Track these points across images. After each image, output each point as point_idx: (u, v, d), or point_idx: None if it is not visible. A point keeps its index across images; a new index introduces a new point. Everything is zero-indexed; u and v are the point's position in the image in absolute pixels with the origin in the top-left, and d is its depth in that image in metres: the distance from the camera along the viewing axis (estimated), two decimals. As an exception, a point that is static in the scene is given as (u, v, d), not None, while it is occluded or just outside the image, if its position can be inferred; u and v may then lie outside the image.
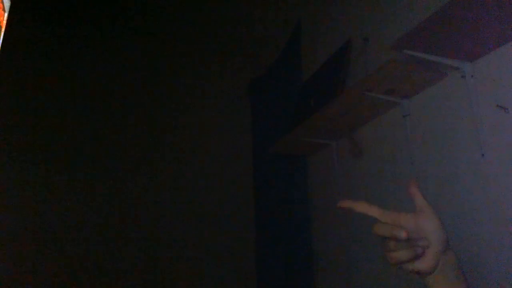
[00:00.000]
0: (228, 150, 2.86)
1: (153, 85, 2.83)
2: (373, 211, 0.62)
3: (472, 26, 1.02)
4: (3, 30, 2.53)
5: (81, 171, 2.48)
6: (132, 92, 2.75)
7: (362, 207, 0.63)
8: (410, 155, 1.42)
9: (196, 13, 2.96)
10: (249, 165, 2.86)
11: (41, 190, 2.36)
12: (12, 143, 2.37)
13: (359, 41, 1.75)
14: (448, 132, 1.27)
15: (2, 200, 2.25)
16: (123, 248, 2.42)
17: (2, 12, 2.54)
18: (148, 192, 2.59)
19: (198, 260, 2.54)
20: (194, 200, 2.66)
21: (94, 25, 2.78)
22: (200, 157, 2.78)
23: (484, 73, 1.15)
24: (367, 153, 1.71)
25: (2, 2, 2.54)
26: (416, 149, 1.40)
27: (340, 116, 1.65)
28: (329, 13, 2.13)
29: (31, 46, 2.58)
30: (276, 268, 2.39)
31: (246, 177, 2.83)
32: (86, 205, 2.42)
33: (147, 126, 2.72)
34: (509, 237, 1.03)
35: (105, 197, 2.48)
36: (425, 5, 1.35)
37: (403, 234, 0.53)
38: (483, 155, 1.12)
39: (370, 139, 1.70)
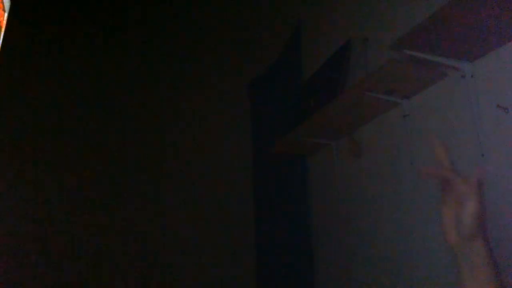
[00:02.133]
0: (228, 150, 2.86)
1: (153, 85, 2.83)
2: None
3: (472, 26, 1.02)
4: (3, 30, 2.53)
5: (82, 171, 2.48)
6: (132, 92, 2.75)
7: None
8: (410, 155, 1.42)
9: (196, 14, 2.96)
10: (249, 165, 2.86)
11: (41, 190, 2.36)
12: (12, 143, 2.37)
13: (359, 41, 1.75)
14: (448, 132, 1.27)
15: (2, 201, 2.25)
16: (123, 248, 2.42)
17: (2, 12, 2.54)
18: (148, 192, 2.59)
19: (198, 260, 2.54)
20: (194, 200, 2.66)
21: (94, 25, 2.78)
22: (200, 157, 2.78)
23: (484, 73, 1.15)
24: (367, 153, 1.71)
25: (2, 2, 2.54)
26: (416, 149, 1.40)
27: (340, 116, 1.65)
28: (329, 13, 2.13)
29: (31, 46, 2.58)
30: (276, 268, 2.39)
31: (246, 177, 2.83)
32: (87, 205, 2.42)
33: (147, 126, 2.72)
34: (509, 237, 1.03)
35: (105, 197, 2.48)
36: (425, 5, 1.35)
37: None
38: (483, 155, 1.12)
39: (370, 139, 1.70)
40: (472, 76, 1.17)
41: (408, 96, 1.45)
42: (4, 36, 2.52)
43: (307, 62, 2.30)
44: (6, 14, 2.55)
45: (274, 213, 2.49)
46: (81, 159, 2.50)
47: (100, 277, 2.32)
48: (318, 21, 2.27)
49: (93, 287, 2.29)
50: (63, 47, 2.66)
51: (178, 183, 2.68)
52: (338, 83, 1.73)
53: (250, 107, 3.01)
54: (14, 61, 2.48)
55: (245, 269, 2.62)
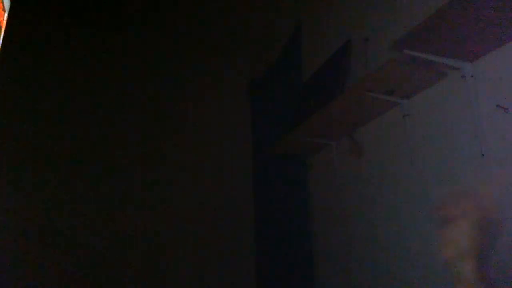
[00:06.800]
0: (228, 150, 2.86)
1: (153, 85, 2.83)
2: None
3: (472, 26, 1.02)
4: (3, 30, 2.53)
5: (82, 171, 2.47)
6: (132, 92, 2.75)
7: None
8: (410, 155, 1.42)
9: (196, 13, 2.96)
10: (249, 165, 2.86)
11: (43, 190, 2.36)
12: (12, 143, 2.37)
13: (359, 41, 1.75)
14: (448, 132, 1.27)
15: (4, 202, 2.25)
16: (123, 248, 2.41)
17: (2, 12, 2.54)
18: (148, 192, 2.59)
19: (198, 260, 2.54)
20: (194, 200, 2.66)
21: (94, 25, 2.78)
22: (200, 157, 2.78)
23: (484, 73, 1.15)
24: (367, 153, 1.71)
25: (2, 2, 2.55)
26: (416, 149, 1.40)
27: (340, 116, 1.65)
28: (329, 13, 2.13)
29: (31, 46, 2.58)
30: (276, 268, 2.39)
31: (246, 177, 2.83)
32: (87, 204, 2.42)
33: (147, 126, 2.72)
34: (509, 237, 1.03)
35: (105, 197, 2.47)
36: (425, 5, 1.35)
37: None
38: (483, 155, 1.12)
39: (370, 139, 1.70)
40: (472, 76, 1.18)
41: (408, 96, 1.45)
42: (4, 36, 2.52)
43: (307, 62, 2.30)
44: (6, 14, 2.55)
45: (274, 213, 2.49)
46: (81, 159, 2.50)
47: (100, 277, 2.32)
48: (318, 21, 2.27)
49: None
50: (63, 47, 2.66)
51: (177, 183, 2.67)
52: (338, 83, 1.73)
53: (250, 107, 3.01)
54: (14, 61, 2.48)
55: (245, 269, 2.62)
